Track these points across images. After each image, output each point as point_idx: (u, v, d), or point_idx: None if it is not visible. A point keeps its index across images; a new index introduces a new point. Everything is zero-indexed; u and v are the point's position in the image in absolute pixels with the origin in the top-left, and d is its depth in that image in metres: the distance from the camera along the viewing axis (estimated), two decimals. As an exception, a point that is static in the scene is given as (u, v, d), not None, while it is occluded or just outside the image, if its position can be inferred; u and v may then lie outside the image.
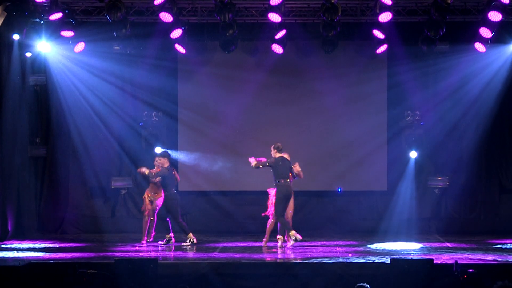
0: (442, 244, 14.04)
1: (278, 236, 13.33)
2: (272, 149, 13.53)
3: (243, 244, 14.01)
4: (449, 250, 13.18)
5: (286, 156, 13.47)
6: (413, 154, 15.65)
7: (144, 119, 15.79)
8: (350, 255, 12.50)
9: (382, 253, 12.83)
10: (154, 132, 15.76)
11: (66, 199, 15.91)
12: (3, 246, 13.78)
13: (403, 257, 11.84)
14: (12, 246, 13.84)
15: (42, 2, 13.53)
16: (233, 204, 16.00)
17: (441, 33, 14.15)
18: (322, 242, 13.42)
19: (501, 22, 13.81)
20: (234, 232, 15.44)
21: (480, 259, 11.94)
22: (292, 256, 12.49)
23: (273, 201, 13.28)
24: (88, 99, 15.58)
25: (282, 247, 13.23)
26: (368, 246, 13.69)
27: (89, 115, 15.62)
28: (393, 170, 15.84)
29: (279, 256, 12.64)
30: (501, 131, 15.72)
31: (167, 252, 13.09)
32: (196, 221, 15.65)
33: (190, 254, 12.84)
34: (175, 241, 13.94)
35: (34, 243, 14.25)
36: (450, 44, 14.93)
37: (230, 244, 14.02)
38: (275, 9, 13.81)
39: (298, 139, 15.67)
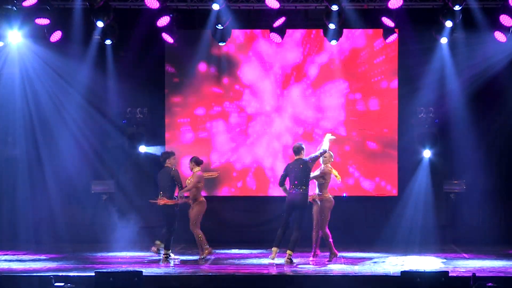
0: (459, 255, 14.06)
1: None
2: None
3: (238, 255, 13.97)
4: (466, 262, 13.18)
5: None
6: (427, 154, 15.58)
7: (128, 116, 15.73)
8: (356, 267, 12.46)
9: (392, 264, 12.80)
10: (139, 130, 15.70)
11: (41, 205, 15.85)
12: (-29, 257, 13.77)
13: (415, 269, 11.79)
14: (-19, 257, 13.81)
15: (15, -14, 13.49)
16: (227, 211, 15.96)
17: (457, 20, 14.11)
18: (326, 253, 13.35)
19: (523, 9, 13.78)
20: (228, 241, 15.38)
21: (500, 272, 11.91)
22: (294, 268, 12.42)
23: (325, 212, 12.98)
24: (64, 93, 15.52)
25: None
26: (376, 256, 13.66)
27: (65, 112, 15.55)
28: (404, 173, 15.79)
29: (279, 269, 12.57)
30: (524, 129, 15.73)
31: (153, 264, 13.01)
32: (187, 230, 15.56)
33: (179, 266, 12.75)
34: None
35: (5, 254, 14.19)
36: (467, 33, 14.84)
37: (223, 255, 13.98)
38: (273, -6, 13.80)
39: (299, 136, 15.63)
